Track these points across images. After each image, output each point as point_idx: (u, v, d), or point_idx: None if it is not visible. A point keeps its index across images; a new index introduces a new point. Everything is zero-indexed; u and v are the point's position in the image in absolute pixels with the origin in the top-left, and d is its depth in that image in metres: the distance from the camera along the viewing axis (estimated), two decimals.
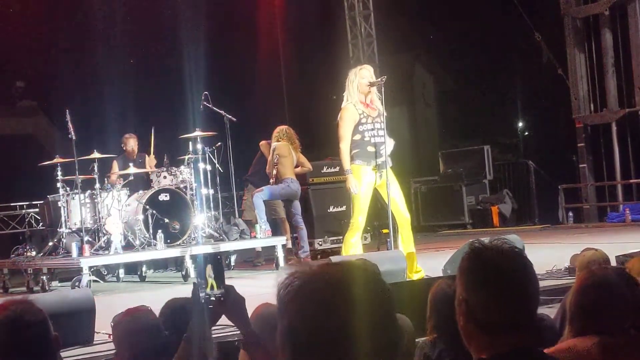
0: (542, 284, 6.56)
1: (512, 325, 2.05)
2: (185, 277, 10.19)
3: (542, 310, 5.32)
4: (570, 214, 14.72)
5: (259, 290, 4.94)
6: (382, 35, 17.27)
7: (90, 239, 10.36)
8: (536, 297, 2.14)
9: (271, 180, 11.13)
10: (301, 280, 1.42)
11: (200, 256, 2.29)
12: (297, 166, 11.46)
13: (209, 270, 2.27)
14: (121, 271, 11.31)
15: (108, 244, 10.19)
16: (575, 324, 2.76)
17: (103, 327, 5.66)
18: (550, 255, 9.06)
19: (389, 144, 8.26)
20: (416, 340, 3.90)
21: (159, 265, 11.95)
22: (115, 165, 11.73)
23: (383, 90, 8.12)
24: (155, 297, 9.10)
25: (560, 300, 5.24)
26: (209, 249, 10.36)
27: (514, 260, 2.14)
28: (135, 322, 3.37)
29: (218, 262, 2.29)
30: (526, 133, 17.97)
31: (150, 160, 11.88)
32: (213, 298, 2.26)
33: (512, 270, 2.11)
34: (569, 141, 15.24)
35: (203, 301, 2.27)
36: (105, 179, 11.33)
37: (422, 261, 8.60)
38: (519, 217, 15.64)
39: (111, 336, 3.48)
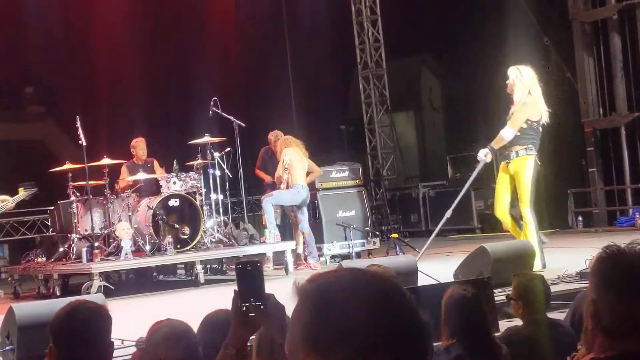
0: (553, 288, 6.57)
1: (637, 327, 2.05)
2: (195, 282, 10.20)
3: (554, 315, 5.32)
4: (580, 218, 14.69)
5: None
6: (390, 40, 17.28)
7: (100, 245, 10.39)
8: None
9: (282, 186, 11.15)
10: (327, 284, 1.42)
11: (239, 263, 2.26)
12: (307, 173, 11.48)
13: (251, 278, 2.23)
14: (131, 276, 11.33)
15: (118, 249, 10.21)
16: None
17: (116, 332, 5.66)
18: (561, 259, 9.05)
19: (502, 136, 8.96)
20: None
21: (168, 270, 11.96)
22: (124, 171, 11.72)
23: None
24: (166, 302, 9.13)
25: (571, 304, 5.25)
26: (220, 254, 10.40)
27: None
28: (172, 322, 3.36)
29: (258, 269, 2.25)
30: None
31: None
32: (254, 307, 2.22)
33: None
34: (578, 145, 15.20)
35: (244, 309, 2.23)
36: (115, 184, 11.33)
37: (432, 266, 8.57)
38: None
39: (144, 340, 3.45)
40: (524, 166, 8.84)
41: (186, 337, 3.21)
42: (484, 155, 9.06)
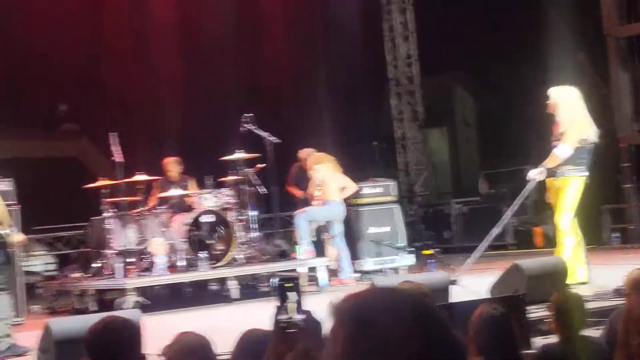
0: (589, 306, 6.51)
1: None
2: (228, 298, 10.23)
3: (589, 332, 5.28)
4: (615, 234, 14.56)
5: None
6: (422, 56, 17.27)
7: (134, 260, 10.45)
8: None
9: (316, 202, 11.17)
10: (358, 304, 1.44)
11: (279, 281, 2.29)
12: (342, 189, 11.47)
13: (290, 295, 2.25)
14: (166, 292, 11.38)
15: (152, 265, 10.27)
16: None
17: (150, 347, 5.69)
18: (596, 276, 8.96)
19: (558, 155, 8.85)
20: None
21: (201, 285, 11.99)
22: (156, 187, 11.82)
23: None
24: (200, 318, 9.16)
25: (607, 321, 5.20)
26: (253, 270, 10.41)
27: None
28: (189, 335, 3.41)
29: (297, 286, 2.28)
30: None
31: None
32: (293, 323, 2.24)
33: None
34: (612, 161, 15.07)
35: (283, 325, 2.25)
36: (148, 200, 11.41)
37: (467, 282, 8.52)
38: None
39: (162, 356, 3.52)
40: (571, 184, 8.82)
41: (198, 353, 3.26)
42: (536, 174, 8.96)
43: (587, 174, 8.90)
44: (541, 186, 9.36)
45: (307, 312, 2.28)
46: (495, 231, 9.29)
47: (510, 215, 9.74)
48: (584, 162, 8.87)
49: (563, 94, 8.92)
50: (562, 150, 8.80)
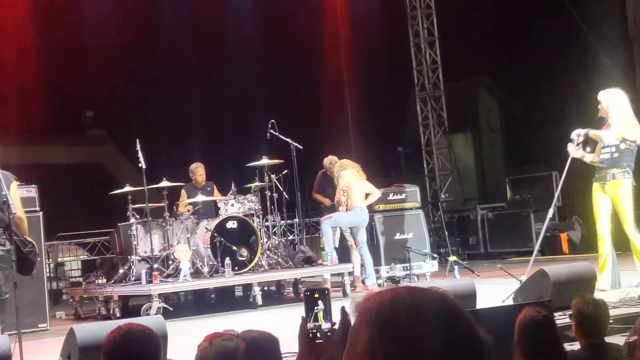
0: (615, 312, 6.45)
1: None
2: (253, 304, 10.24)
3: (615, 339, 5.22)
4: None
5: None
6: (447, 61, 17.23)
7: (159, 267, 10.48)
8: None
9: (341, 208, 11.16)
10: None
11: (308, 290, 2.28)
12: (366, 195, 11.46)
13: (318, 304, 2.24)
14: (190, 298, 11.40)
15: (177, 271, 10.30)
16: None
17: (175, 353, 5.71)
18: (626, 282, 8.90)
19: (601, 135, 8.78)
20: None
21: (226, 291, 12.02)
22: (183, 194, 11.85)
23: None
24: (224, 324, 9.16)
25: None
26: (277, 276, 10.38)
27: None
28: (213, 347, 3.42)
29: (325, 295, 2.27)
30: None
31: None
32: (322, 332, 2.23)
33: None
34: (638, 166, 14.96)
35: (311, 335, 2.24)
36: (174, 207, 11.45)
37: (492, 288, 8.49)
38: (589, 244, 15.35)
39: None
40: (621, 188, 8.75)
41: (231, 353, 3.26)
42: (576, 135, 8.89)
43: (632, 176, 8.82)
44: (570, 193, 9.29)
45: (336, 322, 2.26)
46: (550, 212, 9.24)
47: (558, 193, 9.60)
48: (629, 166, 8.80)
49: (614, 97, 8.89)
50: (605, 134, 8.77)
